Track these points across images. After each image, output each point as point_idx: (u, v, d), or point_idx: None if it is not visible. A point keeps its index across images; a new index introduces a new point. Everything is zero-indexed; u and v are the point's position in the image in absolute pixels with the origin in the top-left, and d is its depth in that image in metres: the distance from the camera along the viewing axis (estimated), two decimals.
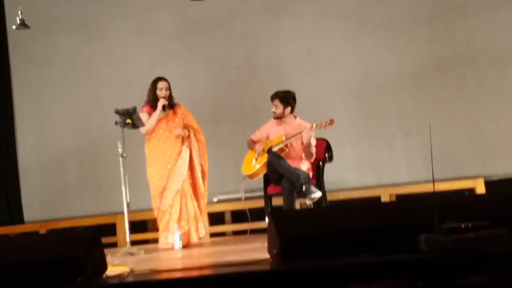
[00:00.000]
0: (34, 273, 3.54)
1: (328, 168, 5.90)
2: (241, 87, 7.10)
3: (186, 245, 5.60)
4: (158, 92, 5.76)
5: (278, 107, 5.73)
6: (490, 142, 6.71)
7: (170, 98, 5.82)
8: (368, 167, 6.86)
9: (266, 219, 5.60)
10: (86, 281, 3.48)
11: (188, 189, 5.76)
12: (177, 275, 3.83)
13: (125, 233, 5.54)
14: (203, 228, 5.89)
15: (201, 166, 5.91)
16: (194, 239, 5.73)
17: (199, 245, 5.73)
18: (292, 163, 5.56)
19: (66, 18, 7.28)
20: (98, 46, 7.25)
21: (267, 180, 5.81)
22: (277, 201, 5.77)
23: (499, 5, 6.77)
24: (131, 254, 5.26)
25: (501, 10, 6.75)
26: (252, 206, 6.43)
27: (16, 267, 3.60)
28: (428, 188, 5.97)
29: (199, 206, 5.85)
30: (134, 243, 5.72)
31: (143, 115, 5.70)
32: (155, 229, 6.07)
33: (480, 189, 6.34)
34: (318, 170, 5.78)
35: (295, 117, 5.81)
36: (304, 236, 3.64)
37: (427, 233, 3.44)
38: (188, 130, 5.88)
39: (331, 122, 5.46)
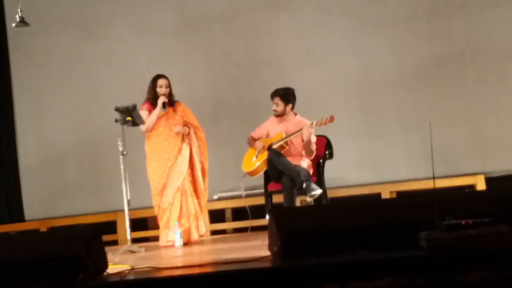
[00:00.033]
0: (35, 271, 3.55)
1: (329, 165, 5.90)
2: (241, 84, 7.10)
3: (187, 243, 5.60)
4: (158, 89, 5.76)
5: (279, 105, 5.73)
6: (490, 139, 6.71)
7: (170, 95, 5.81)
8: (368, 164, 6.86)
9: (267, 216, 5.60)
10: (87, 279, 3.49)
11: (188, 186, 5.76)
12: (178, 272, 3.83)
13: (126, 231, 5.55)
14: (204, 226, 5.90)
15: (202, 163, 5.91)
16: (195, 236, 5.73)
17: (200, 242, 5.74)
18: (292, 160, 5.56)
19: (66, 16, 7.27)
20: (97, 44, 7.24)
21: (267, 177, 5.82)
22: (278, 199, 5.78)
23: (499, 2, 6.76)
24: (132, 252, 5.26)
25: (501, 7, 6.74)
26: (252, 204, 6.43)
27: (17, 265, 3.61)
28: (428, 185, 5.98)
29: (199, 203, 5.85)
30: (134, 241, 5.73)
31: (143, 113, 5.70)
32: (156, 227, 6.07)
33: (481, 185, 6.34)
34: (318, 167, 5.79)
35: (295, 114, 5.81)
36: (304, 233, 3.65)
37: (427, 230, 3.44)
38: (188, 128, 5.88)
39: (331, 119, 5.46)
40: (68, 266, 3.50)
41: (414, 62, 6.86)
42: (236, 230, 6.65)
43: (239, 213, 6.68)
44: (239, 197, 6.55)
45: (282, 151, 5.62)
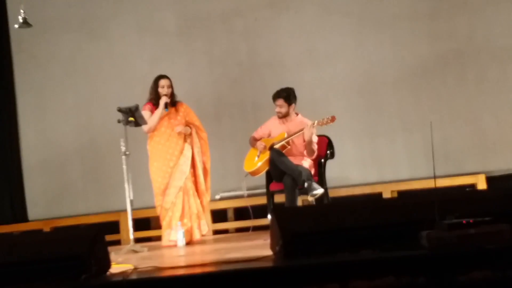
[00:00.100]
0: (38, 270, 3.56)
1: (330, 165, 5.91)
2: (242, 84, 7.11)
3: (189, 243, 5.62)
4: (160, 90, 5.78)
5: (283, 107, 5.74)
6: (491, 138, 6.72)
7: (172, 96, 5.83)
8: (370, 164, 6.87)
9: (269, 216, 5.62)
10: (90, 279, 3.50)
11: (190, 186, 5.77)
12: (181, 272, 3.84)
13: (129, 231, 5.56)
14: (206, 225, 5.91)
15: (204, 163, 5.92)
16: (197, 236, 5.75)
17: (202, 242, 5.75)
18: (294, 160, 5.57)
19: (68, 17, 7.29)
20: (99, 45, 7.26)
21: (269, 177, 5.83)
22: (280, 198, 5.78)
23: (500, 0, 6.76)
24: (135, 251, 5.28)
25: (502, 5, 6.75)
26: (254, 203, 6.44)
27: (21, 265, 3.62)
28: (429, 184, 6.01)
29: (201, 203, 5.86)
30: (137, 240, 5.74)
31: (145, 113, 5.72)
32: (158, 226, 6.08)
33: (481, 185, 6.35)
34: (320, 166, 5.80)
35: (296, 114, 5.83)
36: (306, 232, 3.66)
37: (428, 229, 3.44)
38: (190, 128, 5.89)
39: (333, 119, 5.47)
40: (71, 266, 3.51)
41: (415, 61, 6.86)
42: (238, 230, 6.66)
43: (241, 213, 6.70)
44: (241, 196, 6.56)
45: (283, 151, 5.63)
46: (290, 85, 5.79)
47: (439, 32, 6.84)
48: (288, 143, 5.67)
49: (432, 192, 5.21)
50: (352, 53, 6.96)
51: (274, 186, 5.77)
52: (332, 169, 5.99)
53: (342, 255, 3.45)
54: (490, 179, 6.37)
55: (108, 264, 3.81)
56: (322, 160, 5.83)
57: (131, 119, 5.45)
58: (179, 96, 5.92)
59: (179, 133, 5.79)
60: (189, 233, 5.67)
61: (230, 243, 5.51)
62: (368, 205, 4.06)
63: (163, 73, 5.86)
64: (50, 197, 7.19)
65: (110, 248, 3.99)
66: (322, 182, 5.67)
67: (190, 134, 5.88)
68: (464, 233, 3.36)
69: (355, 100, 6.93)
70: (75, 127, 7.24)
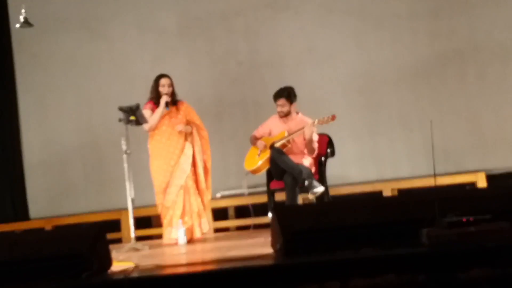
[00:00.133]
0: (39, 269, 3.57)
1: (330, 163, 5.92)
2: (243, 83, 7.12)
3: (190, 241, 5.63)
4: (160, 89, 5.78)
5: (284, 106, 5.74)
6: (491, 136, 6.73)
7: (172, 94, 5.83)
8: (370, 162, 6.88)
9: (269, 214, 5.64)
10: (91, 277, 3.51)
11: (191, 185, 5.78)
12: (182, 270, 3.85)
13: (130, 229, 5.56)
14: (207, 223, 5.92)
15: (204, 162, 5.93)
16: (198, 234, 5.76)
17: (203, 240, 5.76)
18: (294, 159, 5.58)
19: (69, 16, 7.30)
20: (100, 44, 7.27)
21: (270, 175, 5.84)
22: (280, 196, 5.79)
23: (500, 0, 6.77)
24: (136, 249, 5.28)
25: (502, 4, 6.76)
26: (255, 201, 6.46)
27: (22, 263, 3.62)
28: (429, 182, 6.01)
29: (202, 201, 5.87)
30: (138, 238, 5.74)
31: (146, 112, 5.72)
32: (159, 224, 6.09)
33: (482, 183, 6.35)
34: (320, 165, 5.81)
35: (297, 113, 5.84)
36: (307, 230, 3.66)
37: (429, 227, 3.45)
38: (191, 127, 5.90)
39: (333, 117, 5.48)
40: (73, 264, 3.52)
41: (415, 59, 6.87)
42: (239, 228, 6.67)
43: (242, 211, 6.71)
44: (242, 195, 6.58)
45: (284, 150, 5.64)
46: (290, 84, 5.79)
47: (439, 31, 6.85)
48: (288, 141, 5.68)
49: (432, 190, 5.21)
50: (352, 52, 6.97)
51: (274, 185, 5.78)
52: (332, 167, 6.00)
53: (342, 253, 3.45)
54: (490, 177, 6.38)
55: (109, 262, 3.82)
56: (323, 158, 5.84)
57: (132, 118, 5.45)
58: (179, 95, 5.92)
59: (180, 132, 5.80)
60: (190, 231, 5.68)
61: (231, 241, 5.52)
62: (368, 203, 4.07)
63: (163, 72, 5.86)
64: (52, 196, 7.20)
65: (111, 246, 4.01)
66: (322, 180, 5.68)
67: (191, 132, 5.88)
68: (464, 231, 3.38)
69: (356, 99, 6.94)
70: (76, 125, 7.25)
